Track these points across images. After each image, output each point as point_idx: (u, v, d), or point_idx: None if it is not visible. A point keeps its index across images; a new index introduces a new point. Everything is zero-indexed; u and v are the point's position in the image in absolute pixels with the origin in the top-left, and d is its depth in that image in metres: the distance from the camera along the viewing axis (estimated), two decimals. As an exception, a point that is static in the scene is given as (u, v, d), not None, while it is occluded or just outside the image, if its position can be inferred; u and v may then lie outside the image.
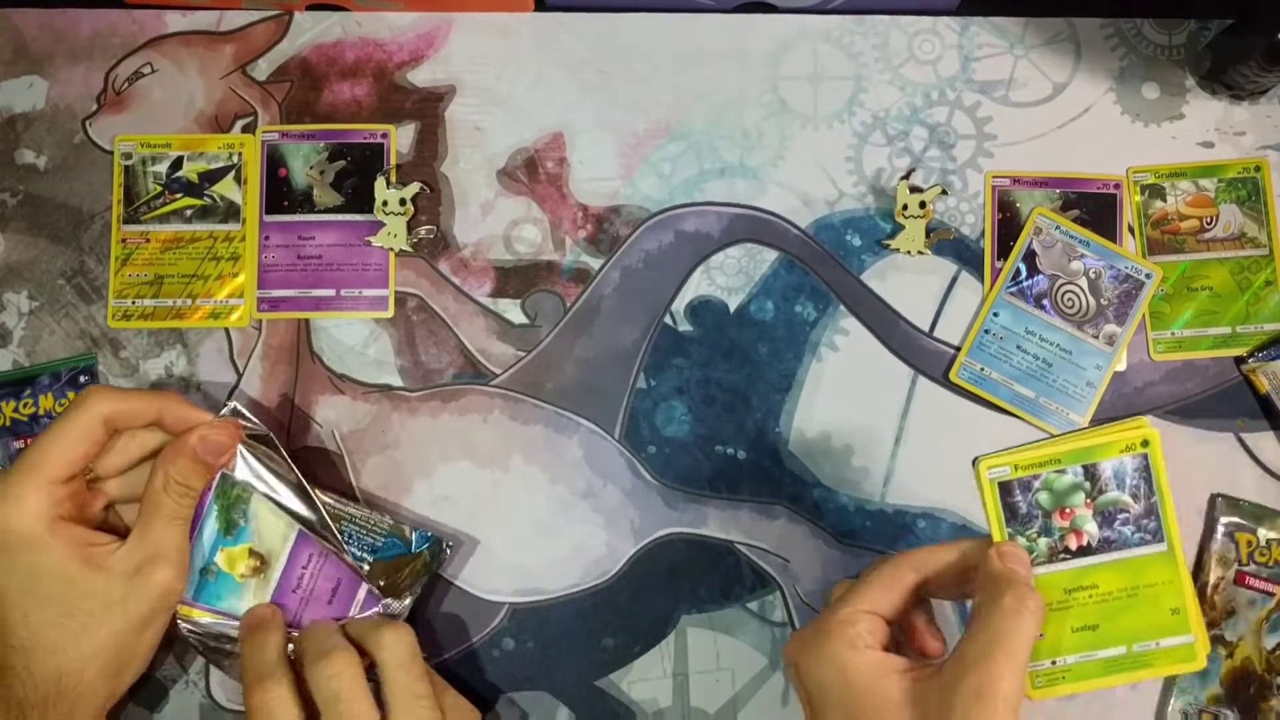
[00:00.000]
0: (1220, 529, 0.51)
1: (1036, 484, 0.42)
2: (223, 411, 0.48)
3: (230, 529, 0.48)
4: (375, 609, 0.49)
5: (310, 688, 0.45)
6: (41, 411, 0.53)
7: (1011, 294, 0.53)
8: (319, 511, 0.49)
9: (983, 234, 0.54)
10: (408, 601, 0.50)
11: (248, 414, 0.48)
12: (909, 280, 0.54)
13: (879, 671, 0.40)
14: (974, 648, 0.39)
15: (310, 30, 0.56)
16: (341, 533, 0.49)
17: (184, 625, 0.48)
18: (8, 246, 0.55)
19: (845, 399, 0.53)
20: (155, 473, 0.46)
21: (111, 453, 0.47)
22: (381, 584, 0.49)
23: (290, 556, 0.48)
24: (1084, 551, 0.42)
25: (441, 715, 0.46)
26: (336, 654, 0.45)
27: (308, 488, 0.49)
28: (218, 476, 0.48)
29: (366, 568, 0.49)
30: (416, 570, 0.50)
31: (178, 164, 0.55)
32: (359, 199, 0.54)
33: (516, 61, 0.56)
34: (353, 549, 0.49)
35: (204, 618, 0.48)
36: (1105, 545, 0.42)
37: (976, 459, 0.43)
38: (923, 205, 0.53)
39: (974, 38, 0.55)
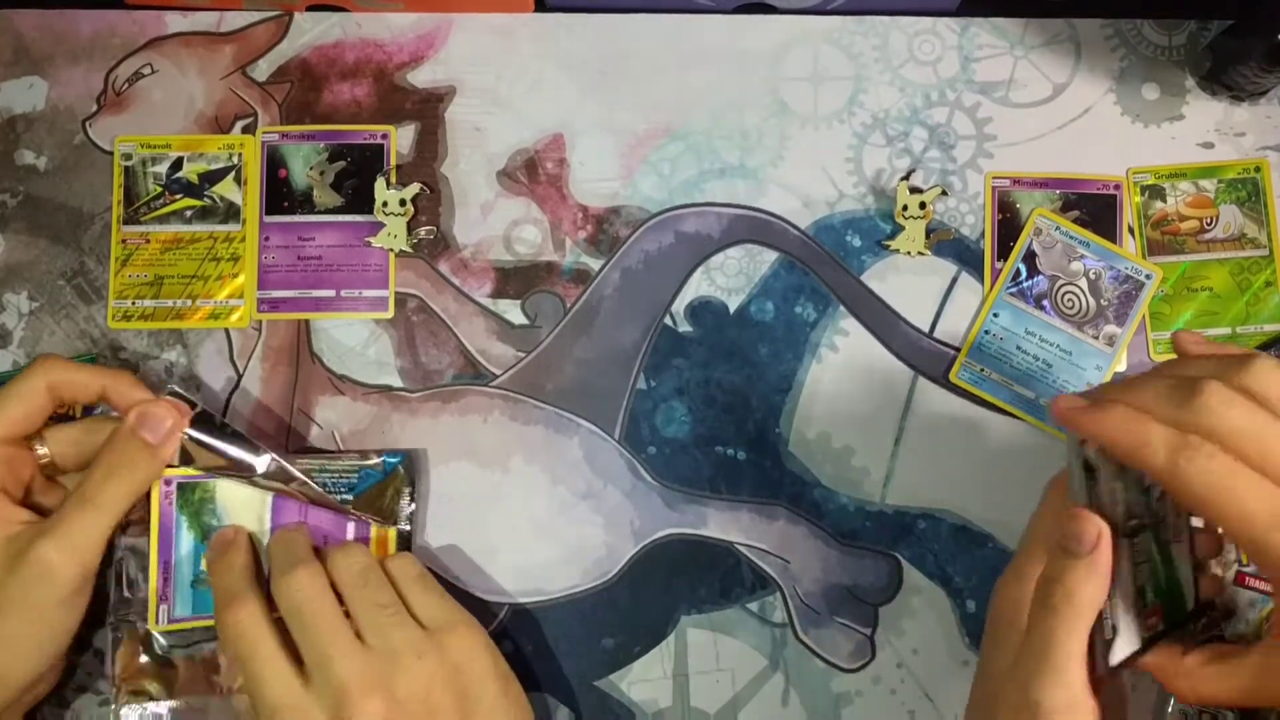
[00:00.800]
0: (1220, 529, 0.51)
1: None
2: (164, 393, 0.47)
3: (207, 534, 0.48)
4: (367, 534, 0.49)
5: (277, 603, 0.44)
6: (41, 412, 0.53)
7: (1011, 295, 0.53)
8: (282, 467, 0.48)
9: (983, 235, 0.54)
10: (405, 518, 0.50)
11: (183, 392, 0.47)
12: (909, 281, 0.54)
13: (1015, 609, 0.41)
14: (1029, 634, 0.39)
15: (310, 31, 0.56)
16: (315, 482, 0.49)
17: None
18: (8, 247, 0.55)
19: (845, 400, 0.53)
20: (97, 461, 0.45)
21: (70, 444, 0.47)
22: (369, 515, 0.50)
23: (271, 530, 0.48)
24: None
25: (416, 622, 0.44)
26: (301, 567, 0.44)
27: (260, 448, 0.48)
28: (175, 488, 0.47)
29: (350, 508, 0.49)
30: (399, 488, 0.50)
31: (178, 165, 0.55)
32: (359, 200, 0.54)
33: (516, 62, 0.56)
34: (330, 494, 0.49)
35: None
36: None
37: None
38: (923, 206, 0.53)
39: (974, 38, 0.55)
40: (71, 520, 0.43)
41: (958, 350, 0.53)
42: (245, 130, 0.55)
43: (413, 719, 0.42)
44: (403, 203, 0.54)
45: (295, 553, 0.45)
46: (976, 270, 0.54)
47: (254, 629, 0.43)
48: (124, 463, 0.45)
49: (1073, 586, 0.38)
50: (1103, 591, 0.39)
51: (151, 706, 0.48)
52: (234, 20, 0.56)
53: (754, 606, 0.52)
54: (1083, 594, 0.38)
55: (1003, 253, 0.54)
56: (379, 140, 0.55)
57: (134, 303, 0.54)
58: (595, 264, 0.54)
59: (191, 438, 0.47)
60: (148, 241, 0.54)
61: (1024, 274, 0.53)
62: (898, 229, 0.54)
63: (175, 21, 0.56)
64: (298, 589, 0.43)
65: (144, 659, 0.48)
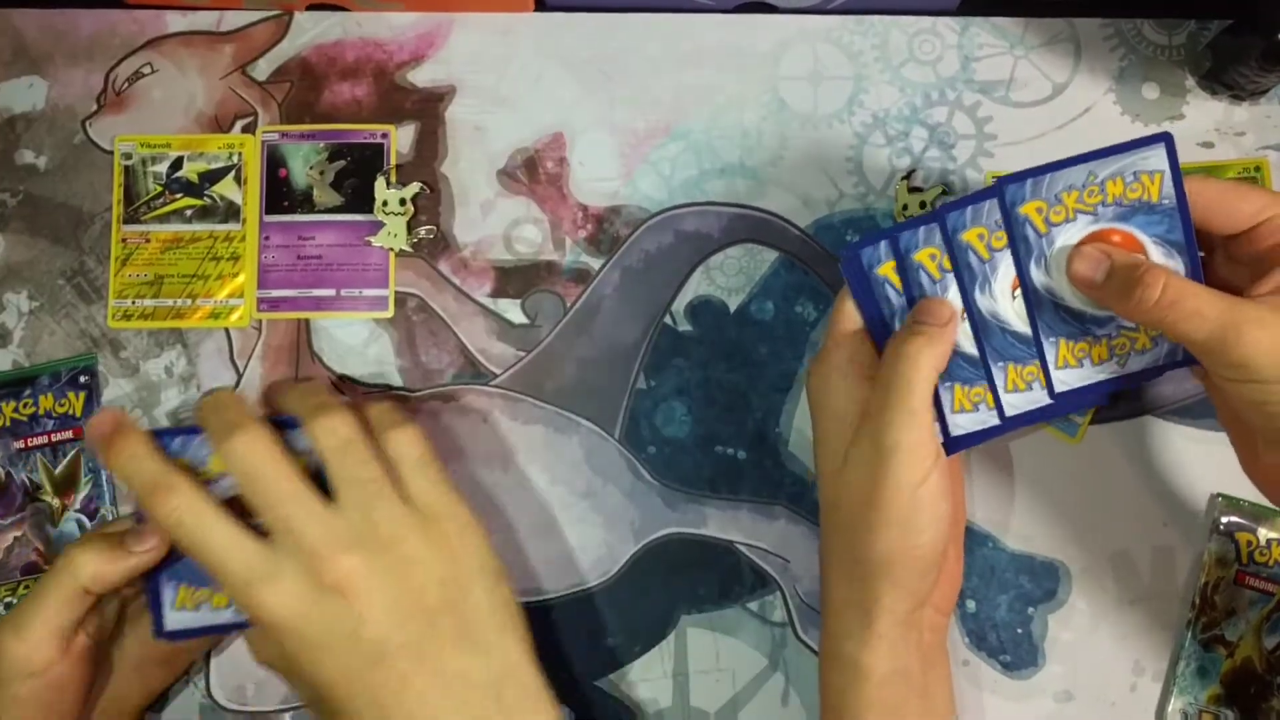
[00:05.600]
0: (1220, 529, 0.51)
1: None
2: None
3: None
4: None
5: (226, 465, 0.40)
6: (41, 412, 0.53)
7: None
8: None
9: (983, 234, 0.54)
10: None
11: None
12: (909, 280, 0.54)
13: (823, 391, 0.45)
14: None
15: (310, 30, 0.56)
16: None
17: None
18: (8, 246, 0.55)
19: (845, 399, 0.53)
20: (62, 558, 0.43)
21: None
22: None
23: None
24: None
25: (402, 503, 0.41)
26: (238, 432, 0.40)
27: None
28: None
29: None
30: None
31: (178, 164, 0.55)
32: (359, 199, 0.54)
33: (516, 61, 0.56)
34: None
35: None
36: None
37: None
38: (923, 205, 0.53)
39: (974, 38, 0.55)
40: (20, 612, 0.43)
41: (958, 350, 0.53)
42: (245, 130, 0.55)
43: (398, 581, 0.39)
44: (403, 202, 0.54)
45: (227, 416, 0.41)
46: (976, 270, 0.54)
47: (192, 512, 0.39)
48: (68, 560, 0.43)
49: (928, 342, 0.42)
50: (945, 358, 0.43)
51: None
52: (234, 20, 0.56)
53: (754, 606, 0.52)
54: (934, 351, 0.42)
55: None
56: (379, 140, 0.55)
57: (134, 302, 0.54)
58: (595, 263, 0.54)
59: None
60: (148, 241, 0.54)
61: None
62: (898, 228, 0.54)
63: (175, 21, 0.56)
64: (240, 456, 0.40)
65: None
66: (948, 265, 0.44)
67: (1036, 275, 0.44)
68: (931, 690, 0.44)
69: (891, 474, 0.41)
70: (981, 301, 0.44)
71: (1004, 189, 0.44)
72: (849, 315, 0.45)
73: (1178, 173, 0.43)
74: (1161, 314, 0.40)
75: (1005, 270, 0.44)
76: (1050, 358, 0.44)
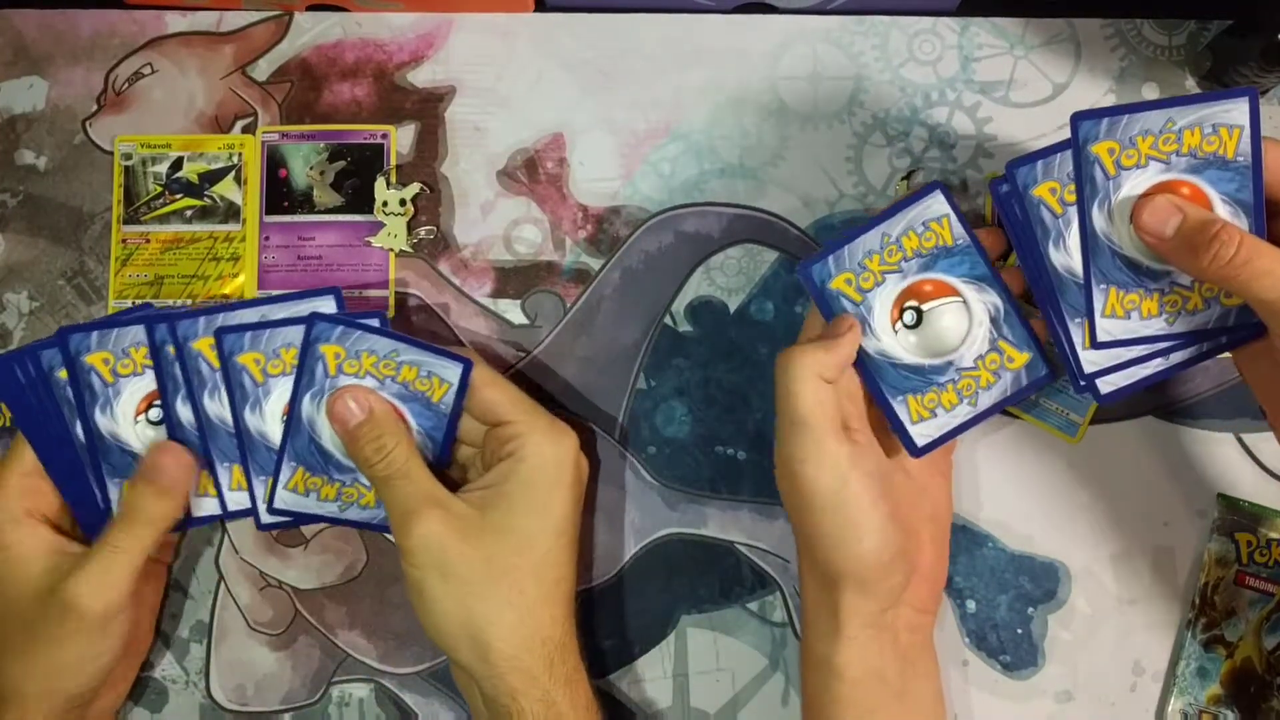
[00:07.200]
0: (1220, 529, 0.51)
1: None
2: None
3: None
4: None
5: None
6: (41, 412, 0.53)
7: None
8: None
9: (983, 234, 0.54)
10: None
11: None
12: (909, 280, 0.54)
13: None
14: None
15: (310, 31, 0.56)
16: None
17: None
18: (8, 247, 0.55)
19: (845, 399, 0.53)
20: (121, 507, 0.46)
21: None
22: None
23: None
24: None
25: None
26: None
27: None
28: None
29: None
30: None
31: (178, 164, 0.55)
32: (359, 199, 0.54)
33: (516, 61, 0.56)
34: None
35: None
36: None
37: None
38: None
39: (974, 38, 0.55)
40: (97, 562, 0.45)
41: (958, 350, 0.53)
42: (245, 130, 0.55)
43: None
44: (403, 202, 0.54)
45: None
46: (976, 270, 0.54)
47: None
48: (139, 510, 0.46)
49: (806, 350, 0.42)
50: (834, 366, 0.43)
51: None
52: (234, 20, 0.56)
53: (754, 606, 0.52)
54: (813, 358, 0.43)
55: (1003, 253, 0.54)
56: (379, 140, 0.55)
57: (134, 302, 0.54)
58: (595, 264, 0.54)
59: None
60: (148, 241, 0.54)
61: (1024, 274, 0.53)
62: (898, 229, 0.54)
63: (175, 21, 0.56)
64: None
65: None
66: (876, 280, 0.45)
67: (1098, 219, 0.43)
68: (911, 691, 0.44)
69: (803, 485, 0.42)
70: (1056, 257, 0.43)
71: (1078, 125, 0.42)
72: (813, 326, 0.46)
73: (1258, 131, 0.41)
74: (1234, 272, 0.39)
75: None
76: (1098, 305, 0.43)
